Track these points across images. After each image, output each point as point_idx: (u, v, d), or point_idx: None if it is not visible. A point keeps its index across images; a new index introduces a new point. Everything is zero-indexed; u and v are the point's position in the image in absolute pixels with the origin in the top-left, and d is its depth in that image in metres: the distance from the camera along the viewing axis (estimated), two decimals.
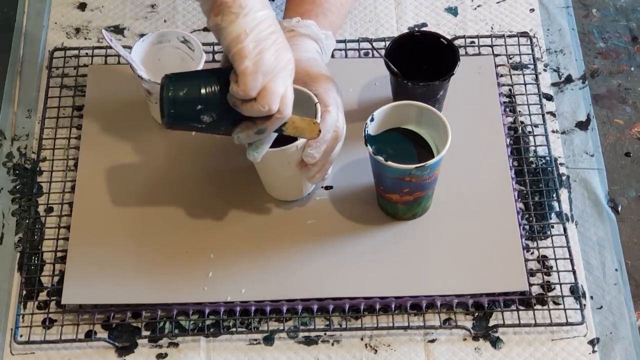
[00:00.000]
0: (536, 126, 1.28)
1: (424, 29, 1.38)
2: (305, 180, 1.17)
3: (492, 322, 1.14)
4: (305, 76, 1.15)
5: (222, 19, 1.03)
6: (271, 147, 1.11)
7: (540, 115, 1.29)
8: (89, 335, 1.14)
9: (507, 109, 1.30)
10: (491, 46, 1.35)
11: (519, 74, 1.33)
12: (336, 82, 1.17)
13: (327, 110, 1.13)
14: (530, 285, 1.16)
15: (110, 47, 1.23)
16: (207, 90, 1.05)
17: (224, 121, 1.06)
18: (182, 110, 1.05)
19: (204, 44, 1.27)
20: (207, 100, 1.05)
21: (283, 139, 1.12)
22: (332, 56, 1.33)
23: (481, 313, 1.15)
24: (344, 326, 1.14)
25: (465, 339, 1.13)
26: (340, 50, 1.34)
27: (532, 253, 1.18)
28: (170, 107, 1.05)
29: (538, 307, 1.15)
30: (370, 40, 1.27)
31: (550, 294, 1.16)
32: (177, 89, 1.05)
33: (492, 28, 1.38)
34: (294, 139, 1.11)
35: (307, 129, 1.09)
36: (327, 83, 1.15)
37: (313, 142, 1.11)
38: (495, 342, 1.13)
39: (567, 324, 1.13)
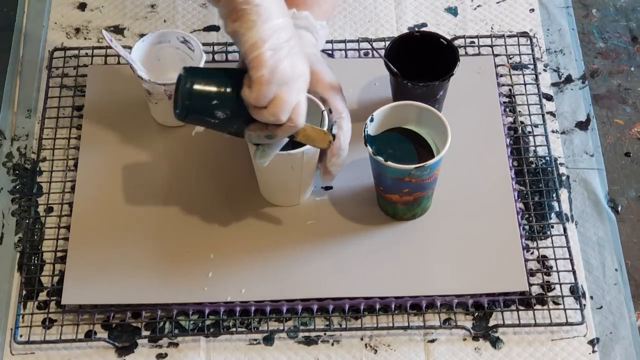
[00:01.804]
0: (536, 126, 1.28)
1: (424, 29, 1.37)
2: (308, 187, 1.18)
3: (492, 322, 1.14)
4: (311, 74, 1.15)
5: (241, 25, 1.03)
6: None
7: (540, 115, 1.29)
8: (89, 335, 1.14)
9: (507, 109, 1.30)
10: (491, 46, 1.35)
11: (518, 74, 1.33)
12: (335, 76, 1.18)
13: (342, 117, 1.14)
14: (530, 285, 1.16)
15: (110, 47, 1.23)
16: (224, 87, 1.05)
17: (237, 119, 1.06)
18: (197, 103, 1.05)
19: (204, 44, 1.27)
20: (222, 97, 1.05)
21: (287, 140, 1.13)
22: (332, 56, 1.33)
23: (481, 313, 1.15)
24: (343, 326, 1.14)
25: (465, 339, 1.13)
26: (340, 50, 1.34)
27: (532, 253, 1.18)
28: (186, 99, 1.05)
29: (538, 307, 1.15)
30: (370, 41, 1.27)
31: (550, 294, 1.16)
32: (195, 81, 1.05)
33: (492, 28, 1.38)
34: (301, 143, 1.12)
35: (318, 138, 1.10)
36: (333, 83, 1.16)
37: (336, 150, 1.12)
38: (495, 342, 1.13)
39: (567, 324, 1.13)
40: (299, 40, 1.07)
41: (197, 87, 1.05)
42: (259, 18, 1.03)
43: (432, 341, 1.13)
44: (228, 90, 1.05)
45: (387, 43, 1.26)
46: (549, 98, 1.31)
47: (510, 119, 1.29)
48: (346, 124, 1.14)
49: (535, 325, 1.13)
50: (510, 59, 1.34)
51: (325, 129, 1.13)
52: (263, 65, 1.02)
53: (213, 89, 1.05)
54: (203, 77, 1.05)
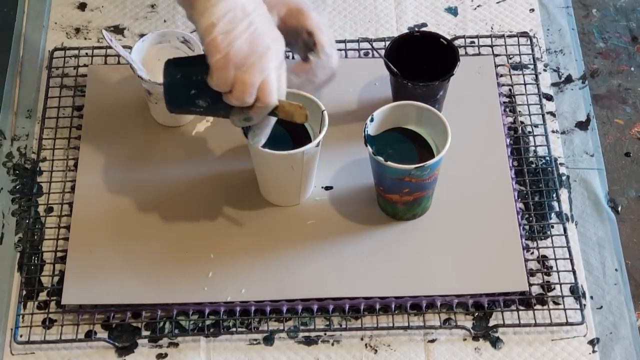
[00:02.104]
0: (536, 126, 1.28)
1: (424, 29, 1.37)
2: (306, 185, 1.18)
3: (492, 322, 1.14)
4: (297, 12, 1.14)
5: (194, 10, 1.01)
6: (276, 149, 1.11)
7: (540, 115, 1.29)
8: (89, 335, 1.14)
9: (507, 109, 1.30)
10: (491, 46, 1.35)
11: (519, 74, 1.33)
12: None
13: (324, 51, 1.12)
14: (530, 285, 1.16)
15: (110, 47, 1.23)
16: (199, 76, 1.05)
17: (221, 104, 1.07)
18: (177, 95, 1.07)
19: None
20: (198, 86, 1.06)
21: (288, 140, 1.14)
22: None
23: (481, 313, 1.15)
24: (344, 326, 1.14)
25: (465, 339, 1.13)
26: (340, 50, 1.34)
27: (532, 253, 1.18)
28: (166, 92, 1.07)
29: (538, 307, 1.15)
30: (370, 41, 1.27)
31: (550, 294, 1.16)
32: (172, 74, 1.06)
33: (492, 28, 1.38)
34: (301, 142, 1.12)
35: (296, 113, 1.09)
36: (317, 18, 1.14)
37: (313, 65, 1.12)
38: (495, 342, 1.13)
39: (567, 324, 1.13)
40: (263, 13, 1.04)
41: (173, 79, 1.06)
42: (209, 1, 1.00)
43: (432, 341, 1.13)
44: (202, 78, 1.05)
45: (387, 43, 1.26)
46: (549, 98, 1.31)
47: (510, 119, 1.29)
48: (325, 53, 1.12)
49: (535, 325, 1.13)
50: (510, 59, 1.34)
51: (325, 129, 1.13)
52: (217, 50, 1.01)
53: (189, 79, 1.06)
54: (180, 69, 1.07)
